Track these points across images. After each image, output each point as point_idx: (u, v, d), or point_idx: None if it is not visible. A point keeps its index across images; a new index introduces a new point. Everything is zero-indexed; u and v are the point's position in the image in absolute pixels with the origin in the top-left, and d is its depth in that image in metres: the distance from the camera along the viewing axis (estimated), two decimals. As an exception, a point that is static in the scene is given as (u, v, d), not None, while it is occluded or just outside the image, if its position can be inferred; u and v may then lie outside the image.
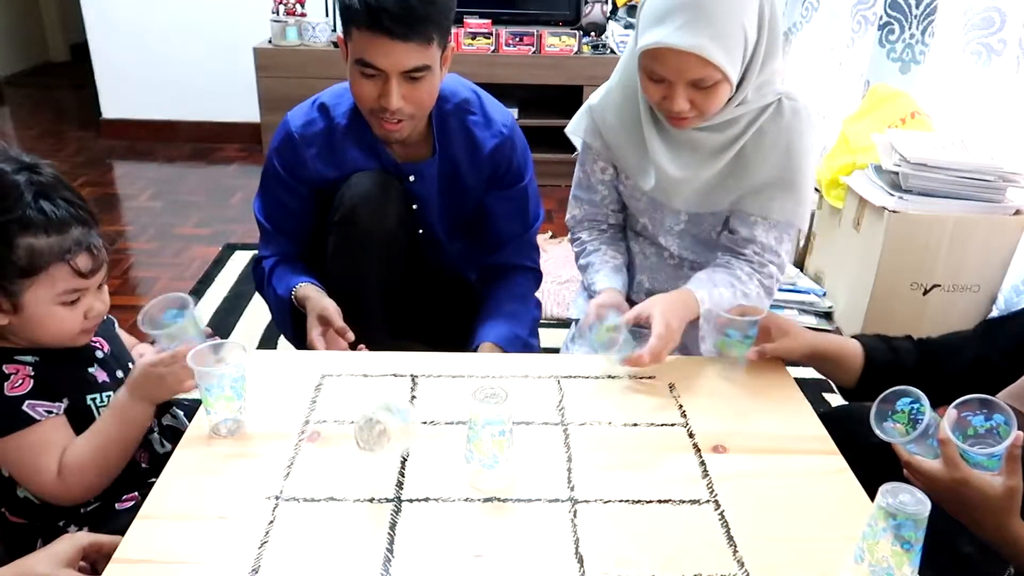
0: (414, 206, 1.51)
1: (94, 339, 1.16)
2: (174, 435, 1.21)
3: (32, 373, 1.04)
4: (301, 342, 1.44)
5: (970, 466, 0.90)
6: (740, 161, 1.35)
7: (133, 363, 1.22)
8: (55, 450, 1.04)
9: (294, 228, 1.50)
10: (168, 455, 1.19)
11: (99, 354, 1.15)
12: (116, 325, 1.25)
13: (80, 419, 1.08)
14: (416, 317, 1.55)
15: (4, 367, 1.03)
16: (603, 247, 1.52)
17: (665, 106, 1.26)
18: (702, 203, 1.40)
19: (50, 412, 1.04)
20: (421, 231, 1.55)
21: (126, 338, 1.27)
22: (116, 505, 1.12)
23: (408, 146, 1.45)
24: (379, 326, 1.54)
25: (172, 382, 1.06)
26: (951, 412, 0.91)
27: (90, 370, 1.13)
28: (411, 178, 1.48)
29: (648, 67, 1.23)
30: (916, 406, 0.94)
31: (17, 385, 1.03)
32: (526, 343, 1.53)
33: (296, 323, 1.45)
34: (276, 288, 1.46)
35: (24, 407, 1.02)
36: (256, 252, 1.56)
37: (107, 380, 1.14)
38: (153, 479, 1.14)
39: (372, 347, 1.44)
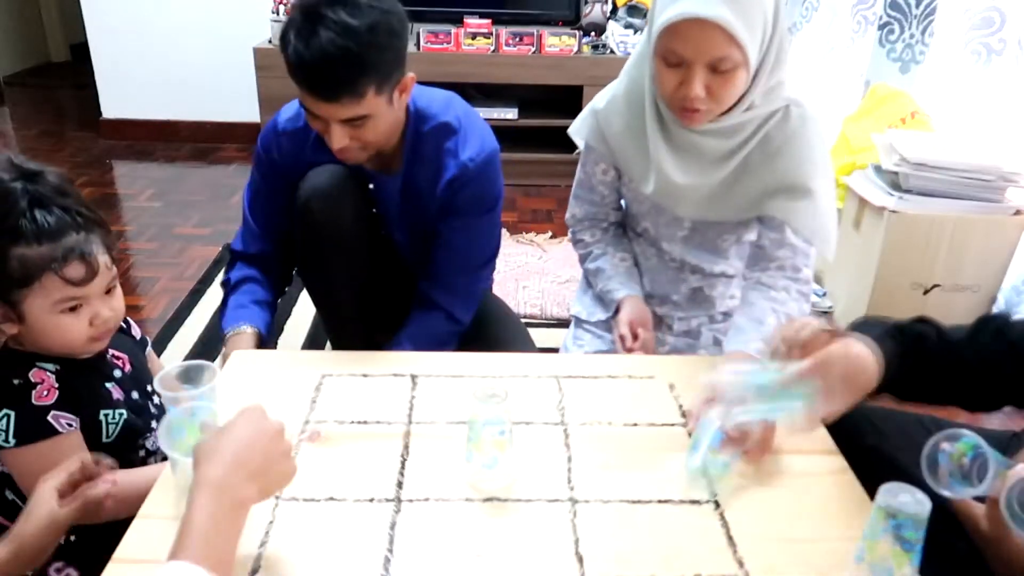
0: (374, 209, 1.51)
1: (116, 357, 1.15)
2: None
3: (56, 384, 1.04)
4: None
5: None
6: (746, 169, 1.34)
7: (151, 386, 1.18)
8: None
9: (268, 220, 1.52)
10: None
11: (117, 372, 1.14)
12: (149, 346, 1.25)
13: (90, 432, 1.07)
14: (397, 318, 1.54)
15: (31, 374, 1.03)
16: (609, 249, 1.52)
17: (681, 93, 1.21)
18: (707, 211, 1.39)
19: (70, 425, 1.04)
20: (385, 233, 1.55)
21: (156, 363, 1.26)
22: None
23: (381, 155, 1.44)
24: (353, 321, 1.56)
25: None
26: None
27: (107, 385, 1.11)
28: (371, 186, 1.48)
29: (667, 47, 1.19)
30: (972, 445, 0.83)
31: (44, 395, 1.03)
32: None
33: None
34: (226, 309, 1.48)
35: (49, 417, 1.02)
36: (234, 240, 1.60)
37: (121, 398, 1.12)
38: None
39: (349, 345, 1.46)
